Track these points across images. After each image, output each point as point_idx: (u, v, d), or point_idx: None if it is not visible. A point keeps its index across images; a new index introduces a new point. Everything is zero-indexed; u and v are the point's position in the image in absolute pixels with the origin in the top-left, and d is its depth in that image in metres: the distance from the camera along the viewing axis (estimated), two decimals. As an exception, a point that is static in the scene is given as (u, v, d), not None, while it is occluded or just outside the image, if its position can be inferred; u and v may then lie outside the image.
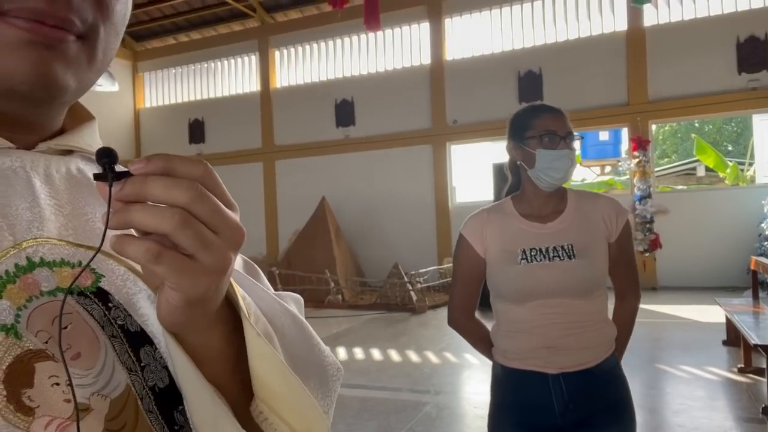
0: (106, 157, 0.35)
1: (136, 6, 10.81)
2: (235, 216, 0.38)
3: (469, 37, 11.65)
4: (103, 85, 8.09)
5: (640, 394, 4.28)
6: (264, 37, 11.59)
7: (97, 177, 0.35)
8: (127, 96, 12.58)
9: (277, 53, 12.22)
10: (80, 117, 0.57)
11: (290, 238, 11.81)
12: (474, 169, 11.64)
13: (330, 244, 10.66)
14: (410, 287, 9.24)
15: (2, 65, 0.41)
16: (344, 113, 12.33)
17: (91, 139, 0.55)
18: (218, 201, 0.37)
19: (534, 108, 1.73)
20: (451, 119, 11.49)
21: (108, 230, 0.36)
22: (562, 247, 1.63)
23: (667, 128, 21.27)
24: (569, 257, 1.62)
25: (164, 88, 13.22)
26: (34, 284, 0.43)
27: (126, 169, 0.36)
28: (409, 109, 11.66)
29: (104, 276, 0.48)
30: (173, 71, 13.01)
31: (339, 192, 11.84)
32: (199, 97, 12.82)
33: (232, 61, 12.38)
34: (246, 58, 12.26)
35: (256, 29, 11.01)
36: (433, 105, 11.49)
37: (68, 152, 0.53)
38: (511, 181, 1.81)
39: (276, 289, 0.58)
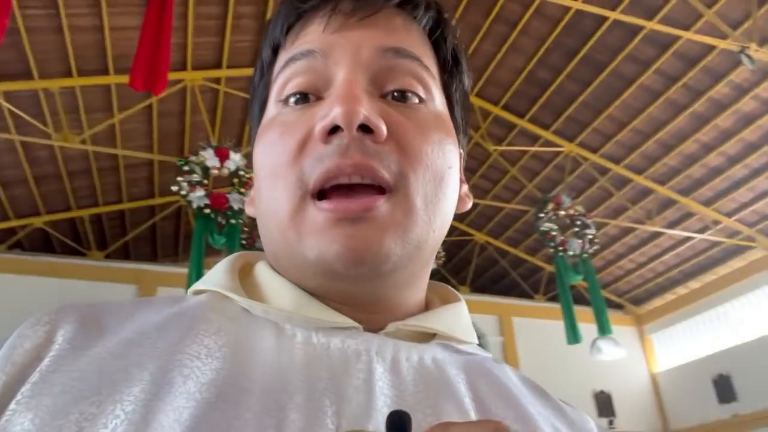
0: (396, 429, 0.30)
1: (628, 272, 10.52)
2: None
3: None
4: (609, 352, 8.26)
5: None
6: (778, 266, 10.10)
7: None
8: (639, 362, 11.60)
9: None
10: (446, 299, 0.54)
11: None
12: None
13: None
14: None
15: (315, 248, 0.42)
16: None
17: (454, 322, 0.50)
18: None
19: None
20: None
21: None
22: None
23: None
24: None
25: (676, 346, 11.65)
26: None
27: None
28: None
29: None
30: (681, 327, 11.49)
31: None
32: (717, 349, 10.60)
33: (745, 300, 10.27)
34: (760, 293, 9.99)
35: (762, 260, 9.54)
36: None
37: (430, 339, 0.48)
38: None
39: None
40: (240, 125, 7.54)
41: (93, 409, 0.35)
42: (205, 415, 0.35)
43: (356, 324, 0.44)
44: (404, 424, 0.30)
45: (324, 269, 0.43)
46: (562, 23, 6.67)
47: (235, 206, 5.69)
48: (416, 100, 0.47)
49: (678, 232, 8.92)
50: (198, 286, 0.49)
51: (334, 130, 0.43)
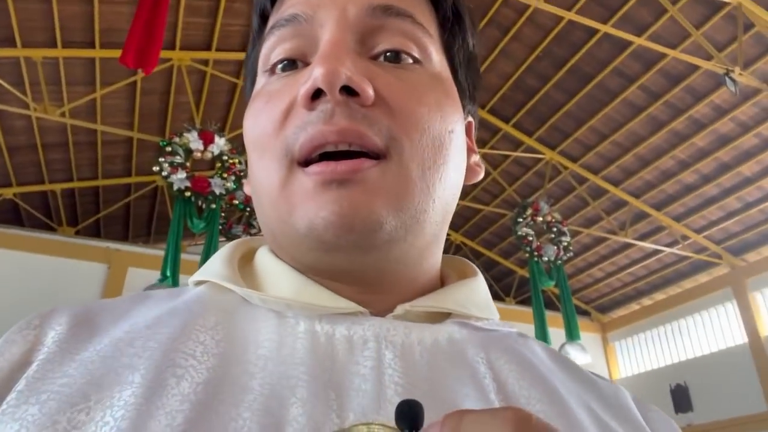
0: (406, 420, 0.28)
1: (597, 280, 10.73)
2: None
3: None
4: (576, 357, 8.12)
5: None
6: (739, 283, 9.85)
7: None
8: (601, 368, 11.81)
9: (759, 296, 9.83)
10: (463, 273, 0.50)
11: None
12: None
13: None
14: None
15: (305, 217, 0.40)
16: None
17: (468, 299, 0.46)
18: None
19: None
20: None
21: None
22: None
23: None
24: None
25: (637, 355, 12.07)
26: None
27: None
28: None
29: None
30: (643, 336, 11.89)
31: None
32: (676, 360, 11.06)
33: (706, 314, 10.73)
34: (722, 309, 10.46)
35: (726, 276, 9.82)
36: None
37: (445, 318, 0.44)
38: None
39: None
40: (225, 109, 7.44)
41: (82, 417, 0.33)
42: (201, 417, 0.33)
43: (362, 308, 0.41)
44: (415, 414, 0.28)
45: (316, 241, 0.40)
46: (554, 32, 6.76)
47: (217, 191, 5.64)
48: (410, 61, 0.44)
49: (648, 245, 9.16)
50: (197, 276, 0.47)
51: (317, 94, 0.40)
